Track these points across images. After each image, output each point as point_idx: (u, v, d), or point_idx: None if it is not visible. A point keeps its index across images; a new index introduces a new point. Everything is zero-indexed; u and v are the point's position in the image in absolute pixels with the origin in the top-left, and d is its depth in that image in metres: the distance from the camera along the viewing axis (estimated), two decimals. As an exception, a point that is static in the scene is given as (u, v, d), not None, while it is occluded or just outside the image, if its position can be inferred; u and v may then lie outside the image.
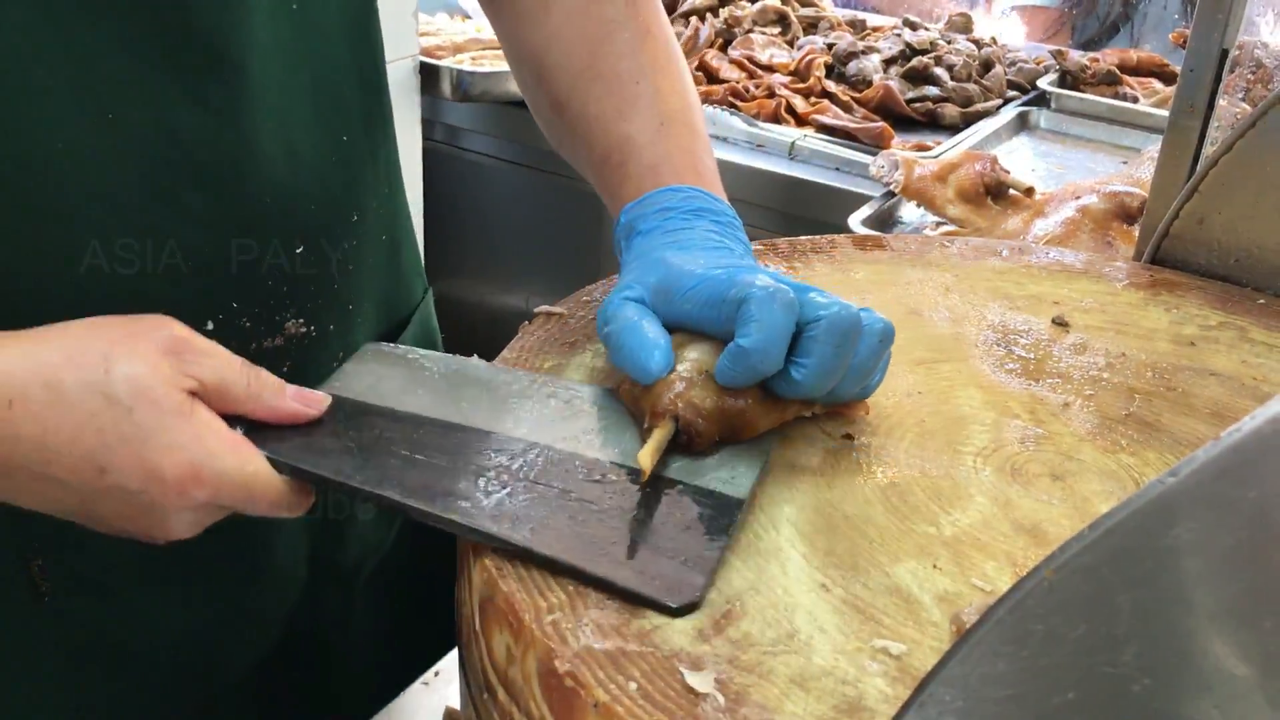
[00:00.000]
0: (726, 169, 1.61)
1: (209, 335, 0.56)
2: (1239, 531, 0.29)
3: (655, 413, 0.53)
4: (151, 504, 0.50)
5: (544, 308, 0.66)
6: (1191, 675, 0.30)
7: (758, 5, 2.04)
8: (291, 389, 0.54)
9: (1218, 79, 0.75)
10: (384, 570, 0.81)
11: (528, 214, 1.87)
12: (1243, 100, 1.00)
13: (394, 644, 0.81)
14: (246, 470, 0.51)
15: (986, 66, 1.90)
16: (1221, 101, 0.79)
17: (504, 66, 1.73)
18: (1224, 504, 0.28)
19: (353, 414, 0.55)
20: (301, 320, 0.66)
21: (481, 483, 0.51)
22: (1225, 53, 0.74)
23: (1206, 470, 0.28)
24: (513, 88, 1.71)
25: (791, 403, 0.55)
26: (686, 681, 0.42)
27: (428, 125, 1.80)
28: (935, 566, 0.49)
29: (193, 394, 0.51)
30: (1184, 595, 0.30)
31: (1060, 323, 0.70)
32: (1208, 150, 0.79)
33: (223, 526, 0.58)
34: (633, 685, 0.41)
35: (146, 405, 0.49)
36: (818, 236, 0.80)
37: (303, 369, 0.66)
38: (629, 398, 0.57)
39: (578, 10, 0.71)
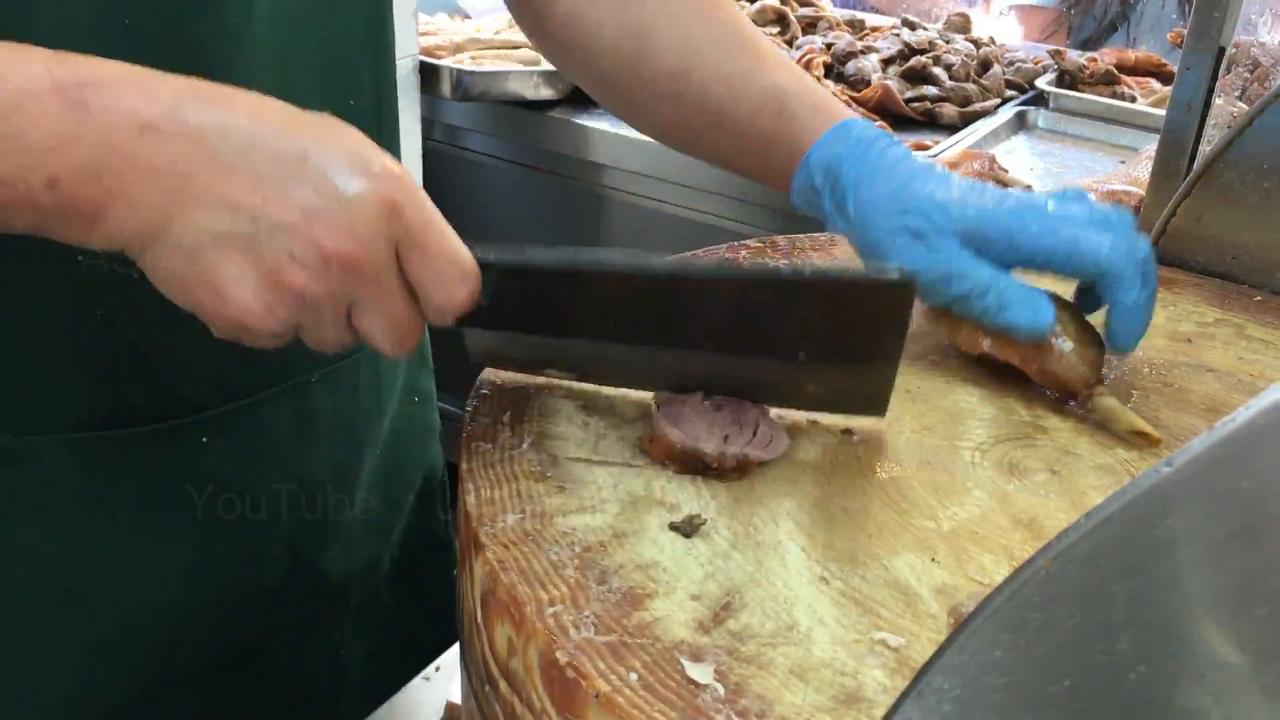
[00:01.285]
0: (725, 168, 1.62)
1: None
2: (1232, 521, 0.29)
3: (1088, 384, 0.60)
4: (341, 192, 0.46)
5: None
6: (1186, 663, 0.31)
7: (757, 5, 2.04)
8: None
9: (1214, 77, 0.75)
10: (381, 597, 0.81)
11: (527, 213, 1.87)
12: (1239, 99, 1.01)
13: (386, 657, 0.82)
14: (439, 216, 0.49)
15: (985, 66, 1.91)
16: (1218, 100, 0.79)
17: (504, 66, 1.73)
18: (1218, 494, 0.29)
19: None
20: None
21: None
22: (1222, 51, 0.75)
23: (1200, 460, 0.28)
24: (512, 87, 1.71)
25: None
26: (687, 672, 0.42)
27: (427, 125, 1.81)
28: (933, 560, 0.50)
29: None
30: (1178, 584, 0.30)
31: (1058, 319, 0.70)
32: (1204, 149, 0.79)
33: (191, 490, 0.58)
34: (634, 676, 0.42)
35: (364, 143, 0.48)
36: (817, 234, 0.80)
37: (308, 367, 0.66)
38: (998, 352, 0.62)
39: None
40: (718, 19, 0.71)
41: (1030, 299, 0.60)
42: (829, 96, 0.68)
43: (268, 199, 0.46)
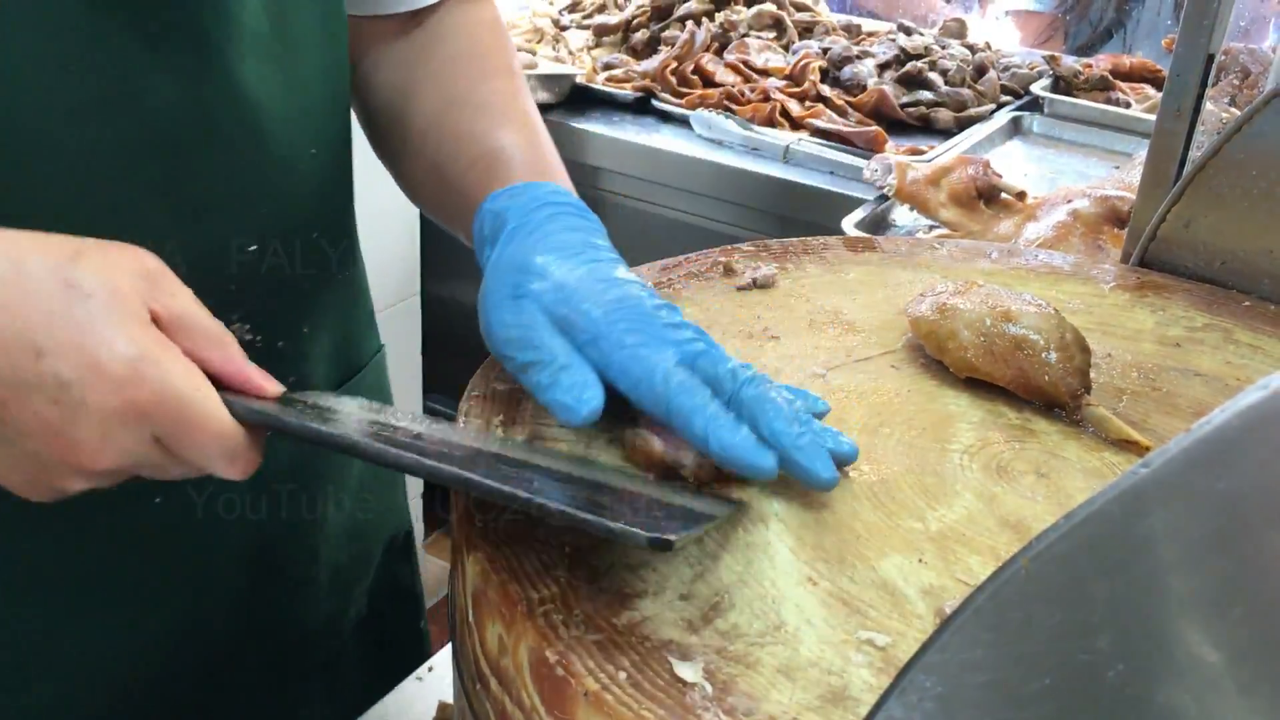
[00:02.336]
0: (722, 172, 1.63)
1: None
2: (1209, 521, 0.30)
3: (1075, 395, 0.61)
4: (80, 403, 0.44)
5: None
6: (1164, 662, 0.31)
7: (753, 10, 2.05)
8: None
9: (1204, 83, 0.76)
10: (349, 651, 0.80)
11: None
12: (1230, 105, 1.01)
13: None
14: (195, 388, 0.46)
15: (980, 71, 1.92)
16: (1208, 105, 0.80)
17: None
18: (1195, 495, 0.29)
19: (311, 408, 0.53)
20: (248, 327, 0.61)
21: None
22: (1211, 58, 0.75)
23: (1177, 462, 0.29)
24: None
25: None
26: (675, 671, 0.43)
27: (424, 127, 1.81)
28: (921, 561, 0.50)
29: (156, 317, 0.47)
30: (1156, 583, 0.31)
31: (1048, 324, 0.71)
32: (1194, 154, 0.80)
33: (135, 551, 0.59)
34: (622, 675, 0.42)
35: (106, 297, 0.45)
36: (809, 238, 0.81)
37: None
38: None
39: (458, 57, 0.73)
40: (473, 82, 0.72)
41: (579, 387, 0.52)
42: (549, 163, 0.66)
43: (7, 402, 0.45)
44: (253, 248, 0.63)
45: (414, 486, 1.92)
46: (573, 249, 0.57)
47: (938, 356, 0.64)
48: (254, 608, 0.72)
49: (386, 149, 0.76)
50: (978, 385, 0.64)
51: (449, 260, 1.92)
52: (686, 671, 0.43)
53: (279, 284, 0.66)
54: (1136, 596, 0.31)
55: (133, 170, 0.57)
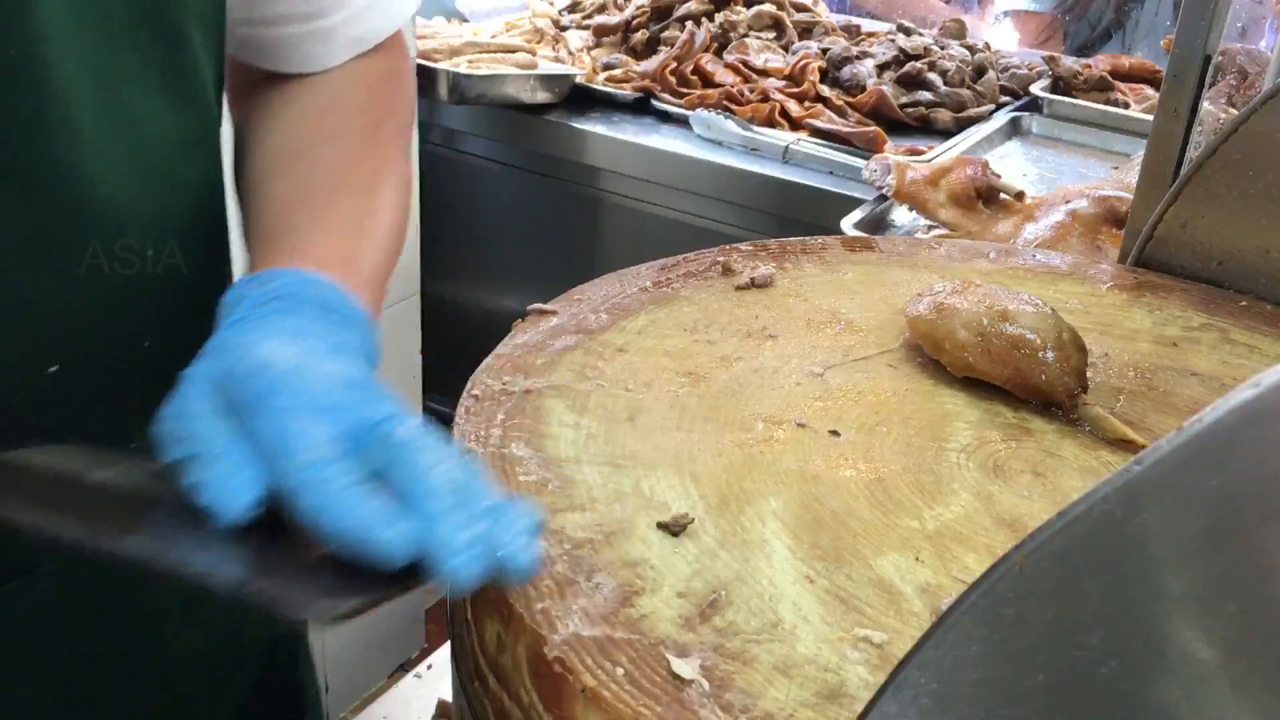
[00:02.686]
0: (721, 172, 1.64)
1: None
2: (1201, 519, 0.30)
3: (1072, 394, 0.61)
4: None
5: (536, 306, 0.67)
6: (1157, 658, 0.31)
7: (753, 10, 2.05)
8: None
9: (1201, 84, 0.76)
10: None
11: (523, 216, 1.88)
12: (1227, 105, 1.02)
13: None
14: None
15: (980, 72, 1.92)
16: (1206, 105, 0.80)
17: (501, 69, 1.74)
18: (1187, 492, 0.29)
19: None
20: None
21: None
22: (1208, 58, 0.76)
23: (1169, 460, 0.29)
24: (509, 90, 1.72)
25: None
26: (672, 668, 0.43)
27: (425, 128, 1.81)
28: (918, 559, 0.50)
29: None
30: (1149, 581, 0.31)
31: (1045, 323, 0.71)
32: (1191, 155, 0.80)
33: None
34: (620, 671, 0.42)
35: None
36: (808, 238, 0.81)
37: None
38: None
39: (311, 110, 0.66)
40: (312, 140, 0.65)
41: (230, 478, 0.43)
42: (337, 248, 0.58)
43: None
44: (53, 368, 0.56)
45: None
46: (287, 333, 0.49)
47: (935, 356, 0.65)
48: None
49: (243, 194, 0.67)
50: (975, 385, 0.64)
51: (449, 260, 1.92)
52: (684, 668, 0.43)
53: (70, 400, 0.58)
54: (1129, 594, 0.31)
55: None
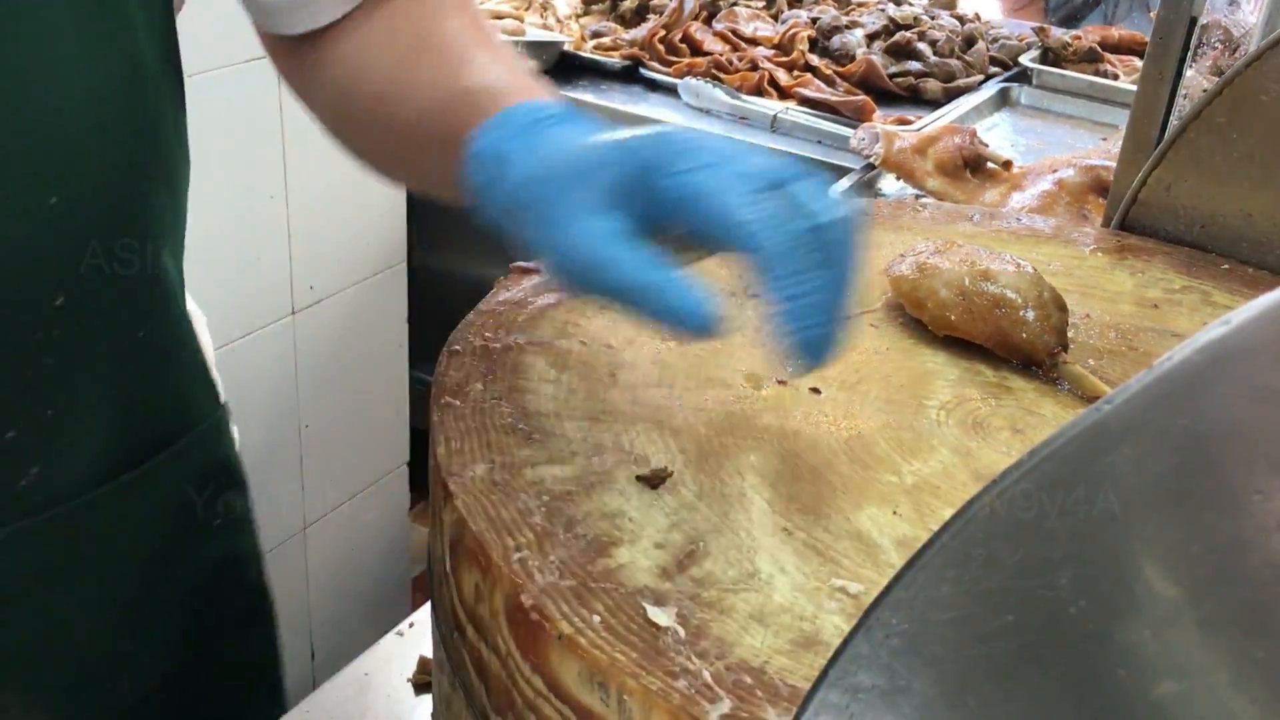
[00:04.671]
0: (708, 140, 1.62)
1: None
2: (1170, 458, 0.30)
3: (1052, 352, 0.61)
4: None
5: (519, 264, 0.67)
6: (1125, 598, 0.32)
7: (742, -22, 2.04)
8: None
9: (1186, 47, 0.76)
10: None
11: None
12: (1211, 73, 1.02)
13: None
14: None
15: (969, 42, 1.91)
16: (1190, 71, 0.80)
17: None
18: (1155, 431, 0.30)
19: None
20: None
21: None
22: (1194, 21, 0.75)
23: (1138, 399, 0.29)
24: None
25: None
26: (649, 616, 0.43)
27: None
28: (895, 513, 0.51)
29: None
30: (1117, 521, 0.31)
31: (1027, 285, 0.71)
32: (1176, 120, 0.80)
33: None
34: (596, 619, 0.43)
35: None
36: (792, 200, 0.81)
37: None
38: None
39: (402, 11, 0.65)
40: (440, 29, 0.64)
41: (694, 294, 0.46)
42: (530, 84, 0.57)
43: None
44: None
45: (399, 456, 1.92)
46: (589, 130, 0.50)
47: (916, 314, 0.65)
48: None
49: (343, 134, 0.68)
50: (956, 344, 0.64)
51: (436, 231, 1.92)
52: (660, 616, 0.43)
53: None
54: (1097, 533, 0.31)
55: None
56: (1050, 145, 1.68)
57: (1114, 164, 1.31)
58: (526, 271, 0.67)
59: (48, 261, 0.54)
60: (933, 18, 1.98)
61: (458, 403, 0.55)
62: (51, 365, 0.56)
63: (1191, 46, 0.76)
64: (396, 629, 0.72)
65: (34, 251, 0.53)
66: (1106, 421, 0.29)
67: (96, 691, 0.66)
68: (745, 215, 0.45)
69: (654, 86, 1.76)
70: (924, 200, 1.34)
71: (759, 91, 1.71)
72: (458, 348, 0.59)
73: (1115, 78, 1.85)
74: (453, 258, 1.97)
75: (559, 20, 1.95)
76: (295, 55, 0.69)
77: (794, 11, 2.00)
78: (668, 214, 0.47)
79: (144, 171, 0.59)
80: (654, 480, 0.51)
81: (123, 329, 0.60)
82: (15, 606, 0.61)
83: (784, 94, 1.73)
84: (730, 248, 0.47)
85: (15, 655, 0.63)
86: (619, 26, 1.94)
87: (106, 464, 0.63)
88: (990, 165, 1.39)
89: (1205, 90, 0.76)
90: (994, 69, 1.91)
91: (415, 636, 0.72)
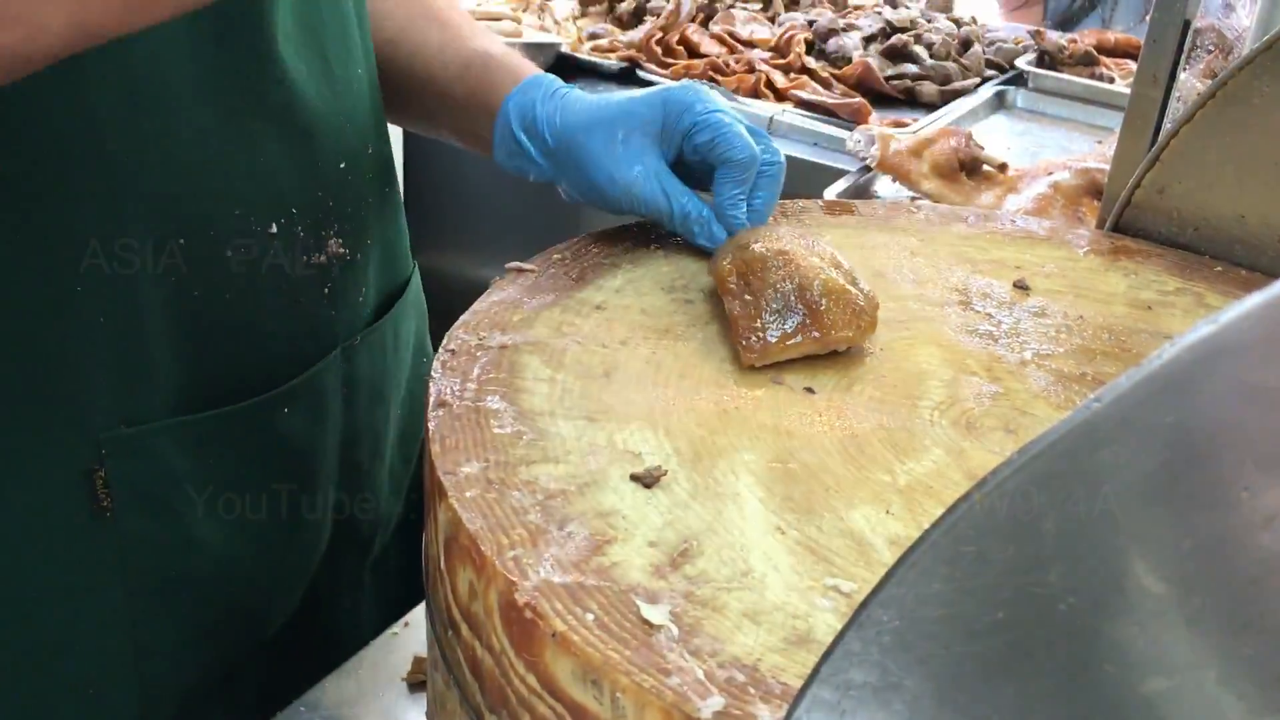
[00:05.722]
0: (705, 142, 1.62)
1: (272, 236, 0.64)
2: (1158, 455, 0.30)
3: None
4: None
5: (514, 264, 0.67)
6: (1114, 594, 0.32)
7: (740, -19, 2.04)
8: None
9: (1180, 50, 0.76)
10: (395, 543, 0.83)
11: (508, 189, 1.87)
12: (1205, 75, 1.02)
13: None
14: None
15: (965, 45, 1.92)
16: (1184, 74, 0.80)
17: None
18: (1144, 429, 0.30)
19: None
20: (341, 241, 0.70)
21: None
22: (1187, 24, 0.76)
23: (1127, 397, 0.29)
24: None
25: None
26: (642, 614, 0.43)
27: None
28: (888, 512, 0.51)
29: None
30: (1107, 518, 0.31)
31: (1021, 286, 0.72)
32: (1169, 122, 0.80)
33: (272, 459, 0.64)
34: (590, 617, 0.43)
35: None
36: (787, 201, 0.81)
37: (339, 293, 0.71)
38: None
39: None
40: (434, 5, 0.79)
41: (707, 219, 0.70)
42: (528, 62, 0.76)
43: None
44: (342, 165, 0.69)
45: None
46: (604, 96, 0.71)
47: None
48: (341, 511, 0.76)
49: None
50: (950, 344, 0.64)
51: (434, 234, 1.92)
52: (653, 614, 0.43)
53: (359, 200, 0.72)
54: (1087, 531, 0.31)
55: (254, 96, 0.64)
56: (1046, 148, 1.68)
57: (1109, 167, 1.32)
58: (522, 271, 0.67)
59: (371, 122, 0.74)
60: (929, 21, 1.98)
61: (453, 402, 0.55)
62: (373, 203, 0.74)
63: (1185, 50, 0.77)
64: (391, 629, 0.72)
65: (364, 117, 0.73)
66: (1096, 419, 0.29)
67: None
68: (750, 141, 0.69)
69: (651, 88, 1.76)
70: (919, 202, 1.35)
71: (756, 94, 1.72)
72: (453, 347, 0.60)
73: (1111, 81, 1.85)
74: (448, 262, 1.97)
75: (556, 22, 1.95)
76: None
77: (791, 14, 2.00)
78: (697, 143, 0.68)
79: None
80: (648, 479, 0.51)
81: (389, 181, 0.79)
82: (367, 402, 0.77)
83: (780, 96, 1.73)
84: (733, 162, 0.69)
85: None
86: (616, 29, 1.94)
87: (380, 293, 0.78)
88: (986, 168, 1.39)
89: (1199, 93, 0.76)
90: (990, 72, 1.91)
91: (409, 635, 0.72)
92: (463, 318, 0.62)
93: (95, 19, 0.44)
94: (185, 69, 0.60)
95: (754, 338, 0.59)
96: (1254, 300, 0.29)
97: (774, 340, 0.59)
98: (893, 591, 0.34)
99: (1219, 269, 0.76)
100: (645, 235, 0.73)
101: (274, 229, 0.65)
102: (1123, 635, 0.32)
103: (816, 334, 0.60)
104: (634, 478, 0.51)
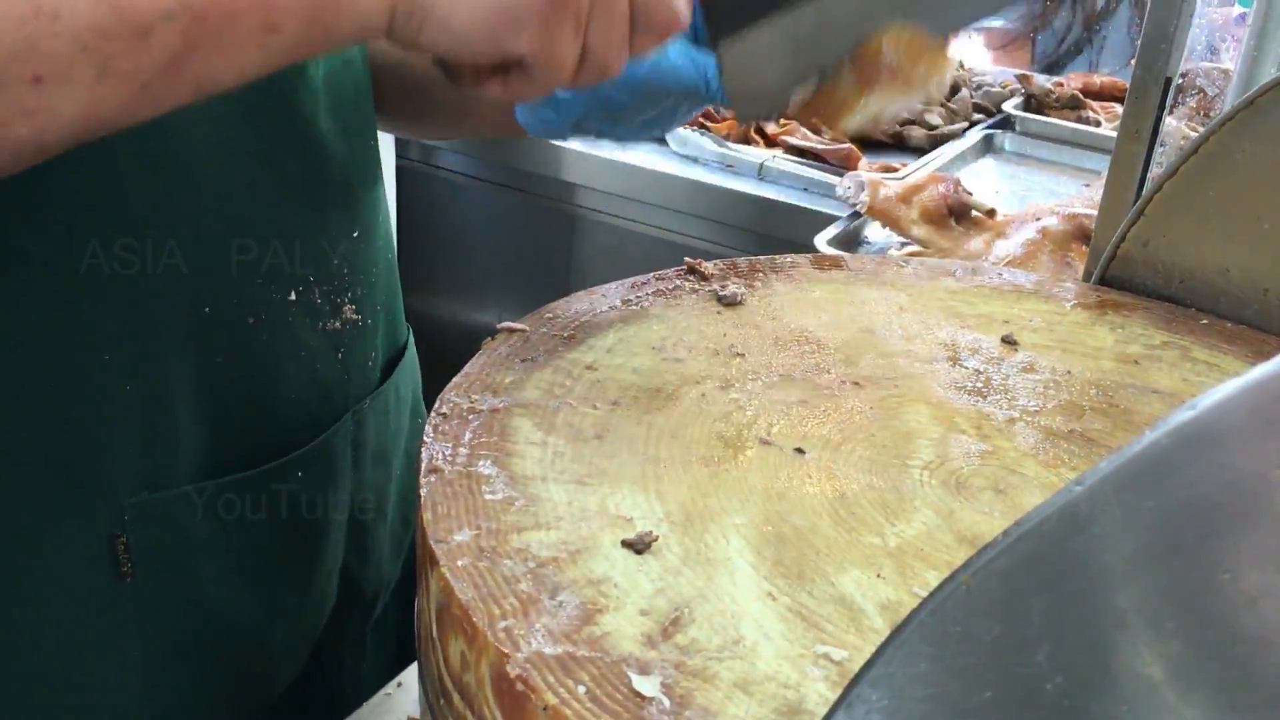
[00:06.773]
0: (698, 189, 1.64)
1: (291, 304, 0.65)
2: (1141, 537, 0.30)
3: None
4: None
5: (506, 324, 0.68)
6: (1101, 674, 0.32)
7: (729, 27, 2.06)
8: None
9: (1162, 106, 0.77)
10: (394, 602, 0.84)
11: (499, 232, 1.88)
12: (1190, 123, 1.03)
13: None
14: None
15: (953, 90, 1.93)
16: (1170, 120, 0.81)
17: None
18: (1127, 511, 0.30)
19: None
20: (354, 307, 0.71)
21: None
22: (1169, 81, 0.77)
23: (1110, 479, 0.30)
24: (486, 107, 1.73)
25: None
26: (634, 685, 0.43)
27: (401, 143, 1.82)
28: (879, 576, 0.51)
29: None
30: (1092, 598, 0.31)
31: (1009, 341, 0.72)
32: (1154, 174, 0.81)
33: (285, 522, 0.64)
34: (581, 689, 0.43)
35: None
36: (777, 256, 0.82)
37: (350, 357, 0.72)
38: None
39: None
40: None
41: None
42: None
43: None
44: (356, 233, 0.71)
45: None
46: None
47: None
48: (347, 571, 0.76)
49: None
50: (939, 402, 0.65)
51: (425, 276, 1.93)
52: (645, 685, 0.43)
53: (369, 266, 0.73)
54: (1073, 611, 0.31)
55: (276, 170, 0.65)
56: (1034, 191, 1.69)
57: (1095, 212, 1.33)
58: (513, 331, 0.68)
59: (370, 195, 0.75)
60: (917, 65, 2.00)
61: (445, 468, 0.55)
62: (380, 269, 0.76)
63: (1167, 106, 0.78)
64: (384, 689, 0.72)
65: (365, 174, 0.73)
66: (1078, 502, 0.30)
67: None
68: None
69: (642, 134, 1.78)
70: (910, 253, 1.36)
71: (746, 139, 1.73)
72: (445, 410, 0.60)
73: (1097, 124, 1.87)
74: (440, 304, 1.97)
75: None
76: None
77: (780, 59, 2.02)
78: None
79: None
80: (639, 545, 0.51)
81: (387, 245, 0.79)
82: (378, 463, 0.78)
83: (770, 142, 1.74)
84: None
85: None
86: (607, 75, 1.96)
87: (385, 357, 0.78)
88: (975, 213, 1.40)
89: (1184, 141, 0.77)
90: (978, 115, 1.93)
91: (401, 696, 0.72)
92: (454, 380, 0.63)
93: (109, 111, 0.45)
94: (218, 140, 0.61)
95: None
96: (1230, 387, 0.30)
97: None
98: (881, 670, 0.34)
99: (1205, 322, 0.77)
100: (635, 292, 0.74)
101: (293, 296, 0.67)
102: (1112, 715, 0.32)
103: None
104: (625, 544, 0.51)
